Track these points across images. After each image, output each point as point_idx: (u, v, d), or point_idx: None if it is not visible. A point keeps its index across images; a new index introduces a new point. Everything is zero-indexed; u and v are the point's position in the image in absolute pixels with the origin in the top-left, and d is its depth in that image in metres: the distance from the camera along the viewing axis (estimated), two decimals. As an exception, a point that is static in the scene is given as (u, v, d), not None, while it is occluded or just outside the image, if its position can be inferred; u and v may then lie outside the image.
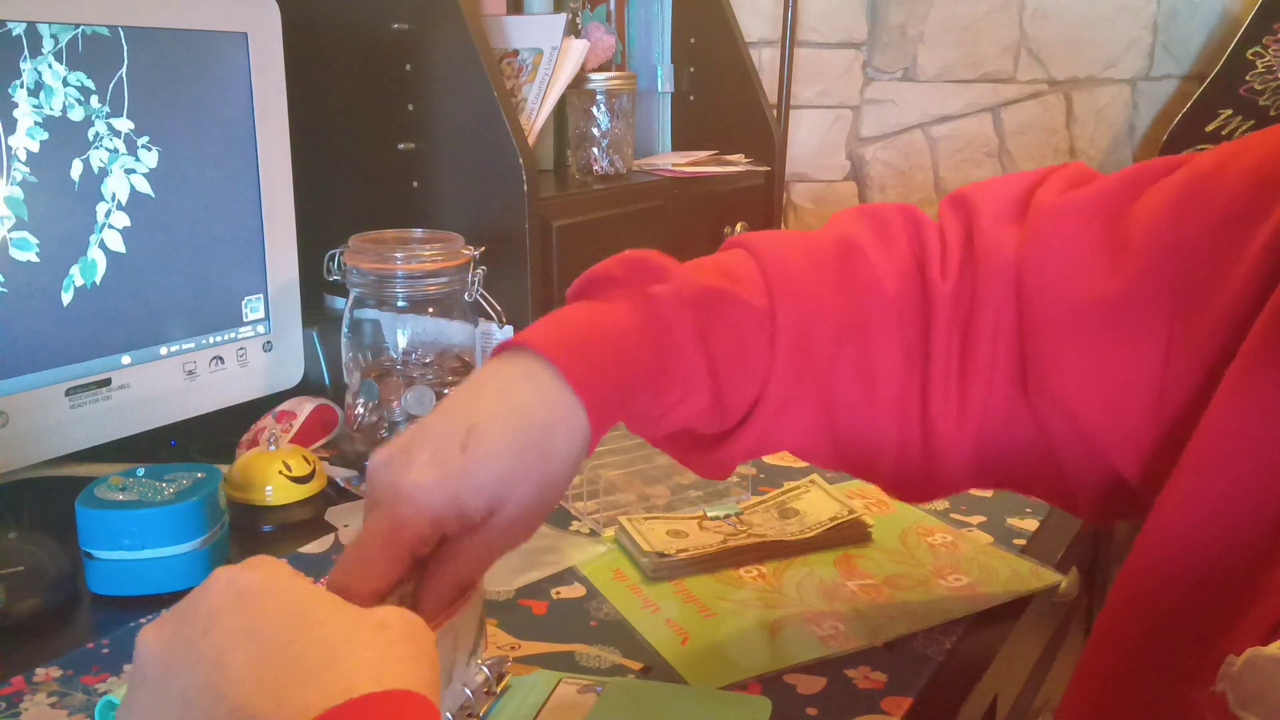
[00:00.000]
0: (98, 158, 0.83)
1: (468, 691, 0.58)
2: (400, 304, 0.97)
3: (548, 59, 1.17)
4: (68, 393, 0.84)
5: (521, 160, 1.02)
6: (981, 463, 0.61)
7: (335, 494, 0.92)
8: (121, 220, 0.86)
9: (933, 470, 0.62)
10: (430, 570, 0.49)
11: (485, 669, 0.60)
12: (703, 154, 1.41)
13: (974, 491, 0.91)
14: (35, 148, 0.79)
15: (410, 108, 1.09)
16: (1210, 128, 2.08)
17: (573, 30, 1.25)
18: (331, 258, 0.98)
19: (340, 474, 0.94)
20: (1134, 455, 0.55)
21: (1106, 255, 0.56)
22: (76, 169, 0.82)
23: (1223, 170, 0.53)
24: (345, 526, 0.85)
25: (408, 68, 1.09)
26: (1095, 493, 0.59)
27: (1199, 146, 2.09)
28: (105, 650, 0.67)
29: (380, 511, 0.48)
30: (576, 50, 1.17)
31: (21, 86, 0.78)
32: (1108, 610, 0.53)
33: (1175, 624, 0.48)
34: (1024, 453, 0.60)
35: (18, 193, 0.79)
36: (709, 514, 0.85)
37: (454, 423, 0.49)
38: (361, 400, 0.98)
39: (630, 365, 0.54)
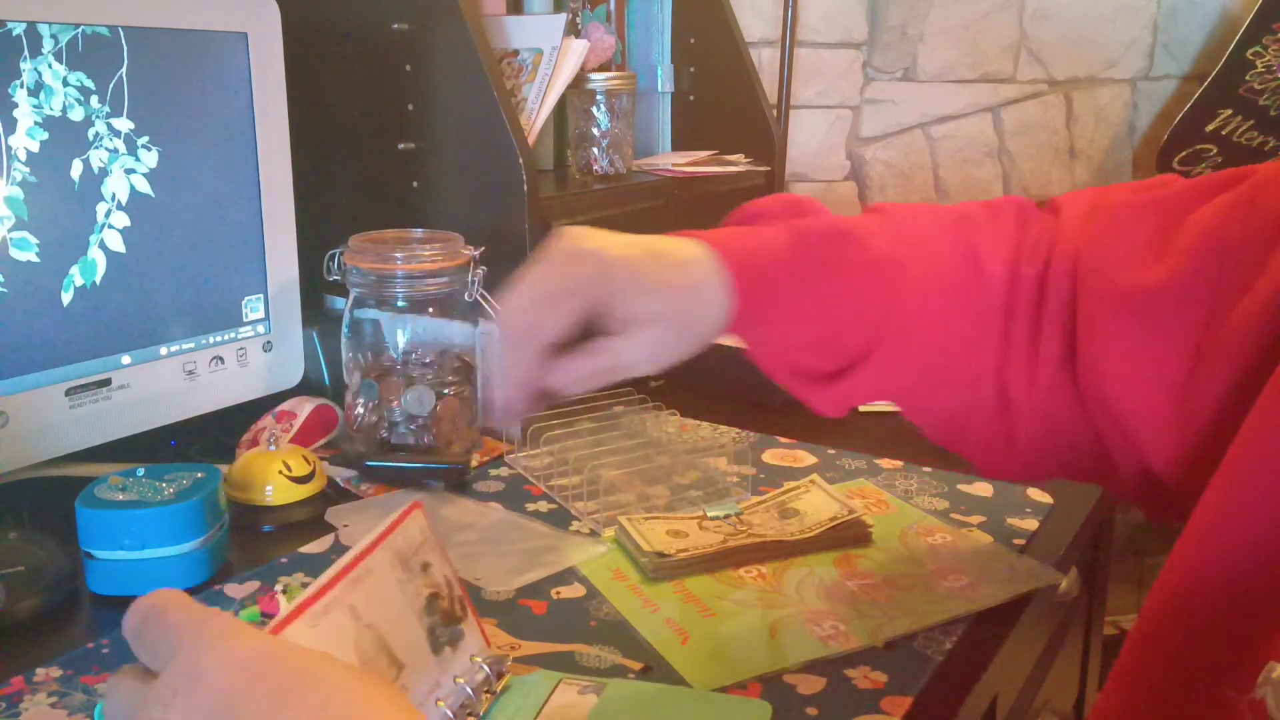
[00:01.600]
0: (98, 158, 0.83)
1: (468, 690, 0.58)
2: (400, 304, 0.97)
3: (548, 59, 1.17)
4: (68, 393, 0.84)
5: (521, 160, 1.02)
6: (1050, 438, 0.65)
7: (335, 494, 0.92)
8: (121, 220, 0.86)
9: (1011, 441, 0.66)
10: (589, 351, 0.59)
11: (485, 667, 0.60)
12: (703, 154, 1.40)
13: (974, 491, 0.91)
14: (35, 148, 0.79)
15: (410, 108, 1.09)
16: (1210, 128, 2.08)
17: (573, 30, 1.25)
18: (331, 258, 0.98)
19: (340, 474, 0.94)
20: (1162, 448, 0.58)
21: (1154, 247, 0.58)
22: (76, 169, 0.82)
23: (1275, 178, 0.55)
24: (345, 526, 0.85)
25: (408, 68, 1.08)
26: (1139, 486, 0.62)
27: (1199, 146, 2.09)
28: (105, 650, 0.67)
29: (558, 264, 0.58)
30: (576, 50, 1.17)
31: (21, 86, 0.78)
32: (1146, 613, 0.53)
33: (1215, 629, 0.48)
34: (1077, 434, 0.64)
35: (18, 193, 0.79)
36: (709, 514, 0.85)
37: (639, 241, 0.60)
38: (361, 400, 0.98)
39: (777, 282, 0.62)
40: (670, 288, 0.59)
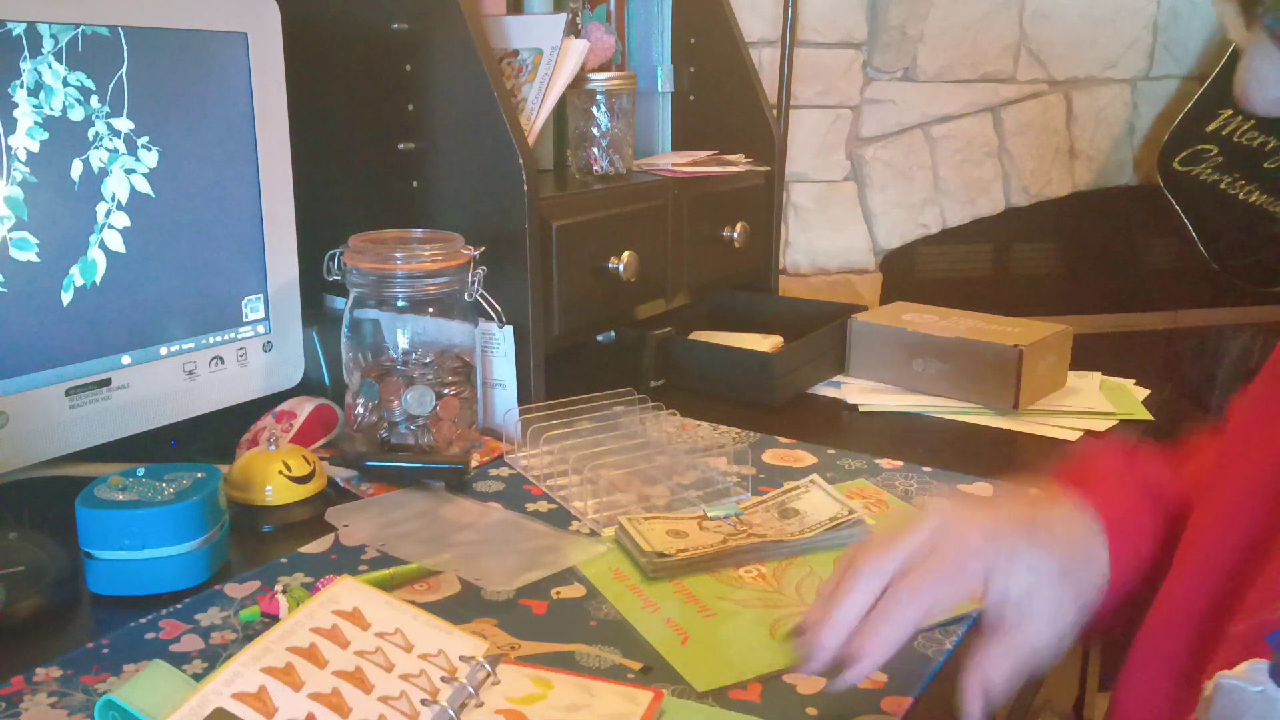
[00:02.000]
0: (98, 158, 0.83)
1: (470, 689, 0.58)
2: (400, 304, 0.97)
3: (548, 59, 1.17)
4: (68, 393, 0.84)
5: (521, 160, 1.02)
6: None
7: (335, 494, 0.92)
8: (121, 220, 0.86)
9: None
10: (1002, 640, 0.54)
11: (486, 665, 0.60)
12: (703, 154, 1.40)
13: (974, 492, 0.91)
14: (35, 148, 0.79)
15: (410, 108, 1.09)
16: (1210, 128, 2.08)
17: (573, 30, 1.25)
18: (331, 258, 0.98)
19: (340, 474, 0.94)
20: None
21: None
22: (76, 169, 0.82)
23: None
24: (345, 526, 0.85)
25: (408, 68, 1.08)
26: None
27: (1199, 147, 2.09)
28: (105, 650, 0.67)
29: (954, 551, 0.54)
30: (576, 50, 1.17)
31: (21, 86, 0.78)
32: (1135, 647, 0.57)
33: (1180, 649, 0.52)
34: None
35: (18, 193, 0.79)
36: (709, 514, 0.85)
37: (1021, 514, 0.57)
38: (361, 400, 0.98)
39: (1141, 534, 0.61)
40: (1056, 563, 0.56)
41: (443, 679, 0.58)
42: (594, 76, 1.23)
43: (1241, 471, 0.54)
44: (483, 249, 0.98)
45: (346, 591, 0.62)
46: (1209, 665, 0.47)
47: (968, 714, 0.53)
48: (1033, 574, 0.54)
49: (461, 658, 0.61)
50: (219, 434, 0.98)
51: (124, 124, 0.85)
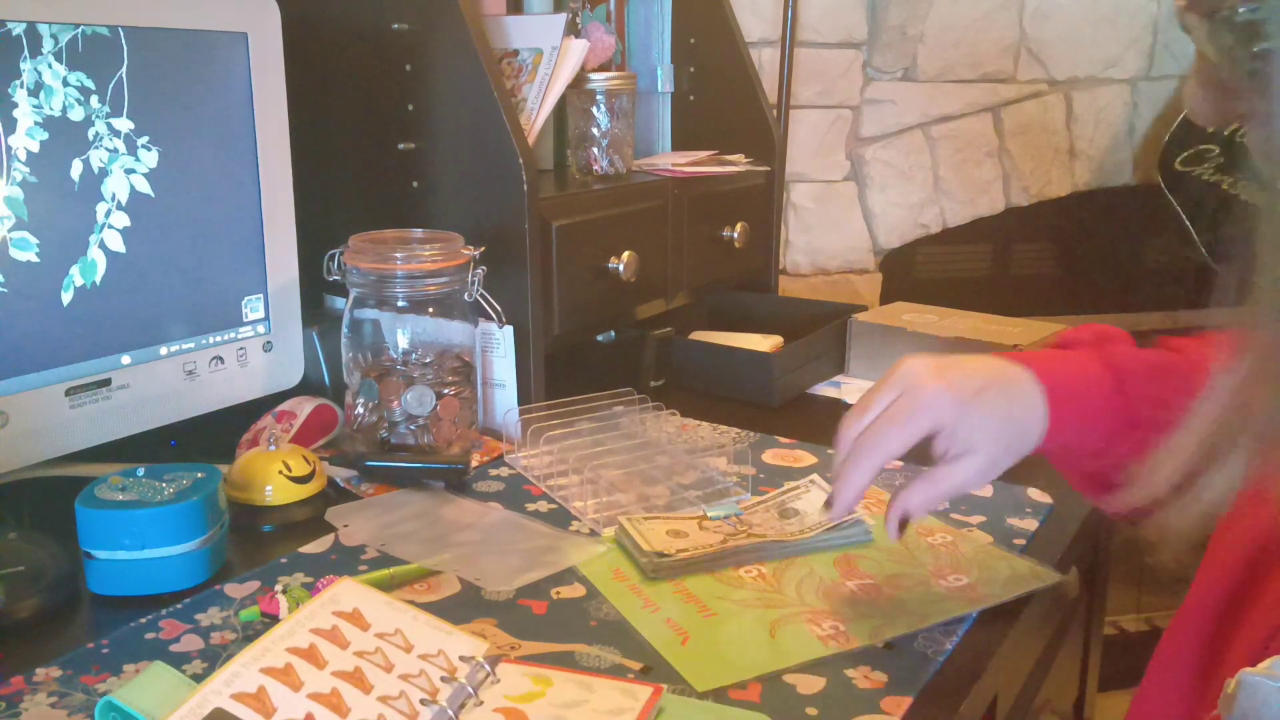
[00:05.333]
0: (98, 158, 0.83)
1: (469, 688, 0.58)
2: (400, 304, 0.97)
3: (548, 59, 1.17)
4: (68, 393, 0.84)
5: (521, 160, 1.02)
6: None
7: (335, 494, 0.92)
8: (121, 220, 0.86)
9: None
10: (929, 477, 0.66)
11: (486, 665, 0.60)
12: (703, 154, 1.40)
13: (974, 492, 0.91)
14: (35, 148, 0.79)
15: (410, 108, 1.09)
16: (1210, 128, 2.08)
17: (573, 30, 1.25)
18: (331, 258, 0.98)
19: (340, 474, 0.94)
20: None
21: None
22: (76, 169, 0.82)
23: None
24: (345, 526, 0.85)
25: (408, 68, 1.08)
26: None
27: (1199, 147, 2.08)
28: (105, 650, 0.67)
29: (905, 397, 0.65)
30: (576, 50, 1.17)
31: (21, 86, 0.78)
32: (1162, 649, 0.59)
33: (1196, 649, 0.53)
34: None
35: (18, 193, 0.79)
36: (709, 514, 0.85)
37: (976, 372, 0.66)
38: (361, 400, 0.98)
39: (1091, 400, 0.67)
40: (1010, 419, 0.65)
41: (442, 679, 0.58)
42: (594, 76, 1.23)
43: None
44: (483, 249, 0.98)
45: (346, 592, 0.62)
46: (1229, 661, 0.47)
47: (887, 526, 0.67)
48: (975, 430, 0.64)
49: (461, 658, 0.61)
50: (219, 434, 0.98)
51: (124, 124, 0.84)
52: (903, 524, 0.67)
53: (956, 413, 0.64)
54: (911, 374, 0.66)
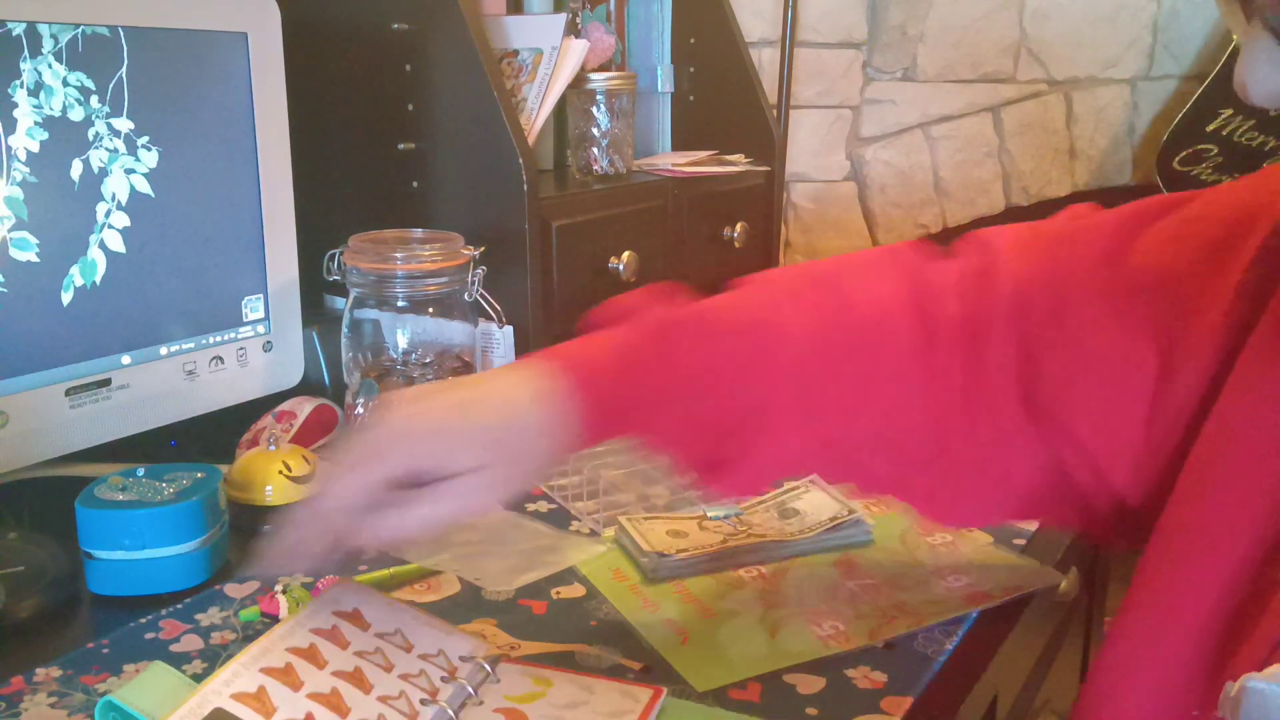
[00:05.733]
0: (98, 158, 0.83)
1: (469, 688, 0.58)
2: (400, 304, 0.97)
3: (548, 59, 1.17)
4: (68, 393, 0.84)
5: (521, 160, 1.02)
6: (1005, 485, 0.63)
7: (335, 494, 0.92)
8: (121, 220, 0.86)
9: (958, 489, 0.64)
10: (416, 502, 0.55)
11: (486, 665, 0.60)
12: (703, 154, 1.41)
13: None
14: (35, 148, 0.79)
15: (410, 108, 1.09)
16: (1210, 127, 2.08)
17: (573, 30, 1.25)
18: (331, 258, 0.98)
19: (340, 474, 0.94)
20: (1134, 480, 0.58)
21: (1102, 285, 0.59)
22: (76, 169, 0.82)
23: (1207, 213, 0.57)
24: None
25: (408, 68, 1.08)
26: (1113, 520, 0.61)
27: (1199, 146, 2.09)
28: (105, 650, 0.67)
29: (370, 436, 0.56)
30: (576, 50, 1.17)
31: (21, 86, 0.78)
32: (1116, 640, 0.55)
33: (1183, 652, 0.50)
34: (1042, 475, 0.62)
35: (18, 193, 0.79)
36: (709, 514, 0.85)
37: (460, 390, 0.58)
38: (361, 400, 0.98)
39: (628, 373, 0.60)
40: (485, 437, 0.56)
41: (442, 679, 0.58)
42: (594, 76, 1.23)
43: (1243, 462, 0.51)
44: (483, 249, 0.98)
45: (346, 592, 0.62)
46: (1230, 663, 0.46)
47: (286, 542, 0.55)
48: (457, 448, 0.56)
49: (461, 658, 0.61)
50: (219, 434, 0.98)
51: (124, 124, 0.84)
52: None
53: (431, 438, 0.56)
54: (385, 410, 0.58)
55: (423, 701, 0.56)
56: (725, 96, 1.50)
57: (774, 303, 0.64)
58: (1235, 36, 0.39)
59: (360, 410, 0.98)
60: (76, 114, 0.81)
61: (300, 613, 0.59)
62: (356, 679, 0.56)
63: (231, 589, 0.75)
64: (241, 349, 0.97)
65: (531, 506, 0.89)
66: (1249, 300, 0.52)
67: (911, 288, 0.64)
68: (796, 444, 0.62)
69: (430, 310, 0.98)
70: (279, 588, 0.73)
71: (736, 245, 1.36)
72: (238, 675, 0.53)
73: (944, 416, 0.62)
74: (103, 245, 0.85)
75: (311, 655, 0.56)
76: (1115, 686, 0.53)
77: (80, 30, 0.81)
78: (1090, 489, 0.60)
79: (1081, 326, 0.58)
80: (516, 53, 1.20)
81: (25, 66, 0.78)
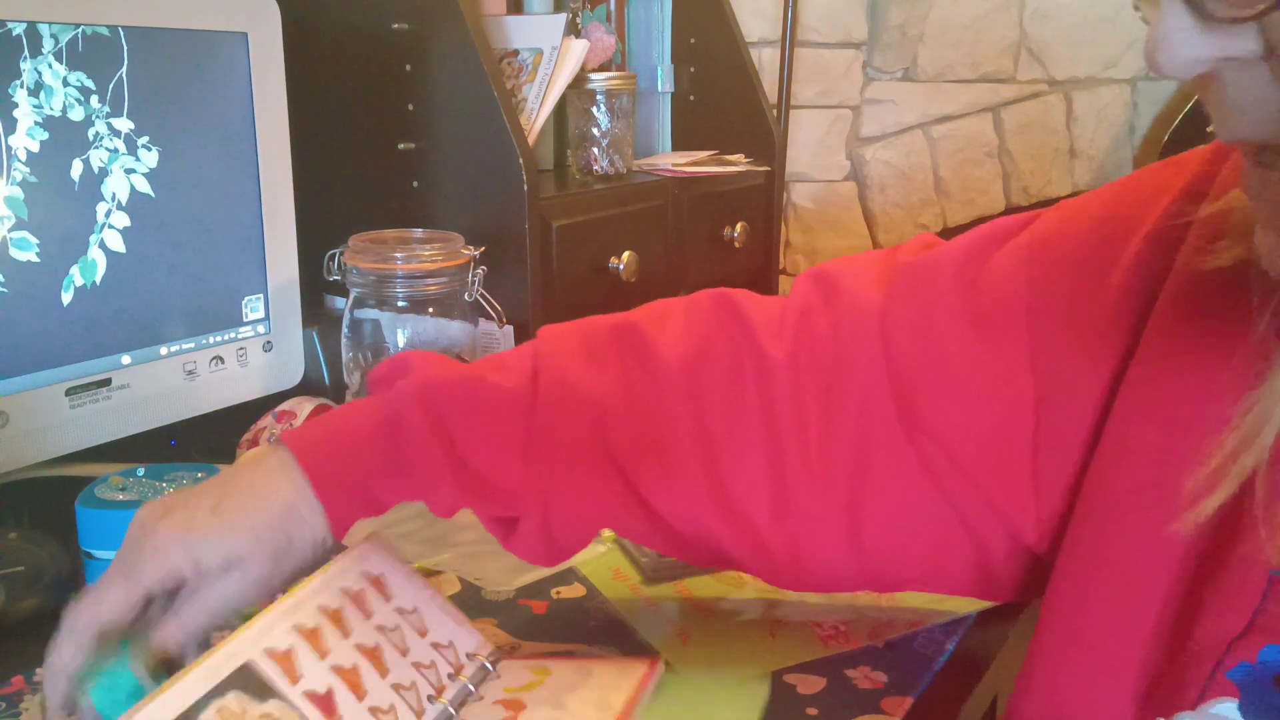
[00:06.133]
0: (98, 158, 0.83)
1: (470, 687, 0.58)
2: (400, 304, 0.97)
3: (548, 59, 1.17)
4: (68, 393, 0.84)
5: (521, 160, 1.02)
6: (855, 547, 0.58)
7: (335, 494, 0.92)
8: (121, 220, 0.86)
9: (799, 555, 0.59)
10: (176, 610, 0.54)
11: (489, 665, 0.61)
12: (703, 154, 1.41)
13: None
14: (35, 148, 0.79)
15: (410, 108, 1.09)
16: (1210, 128, 2.08)
17: (573, 30, 1.25)
18: (331, 258, 0.98)
19: (340, 474, 0.94)
20: (1026, 512, 0.54)
21: (966, 315, 0.56)
22: (76, 169, 0.82)
23: (1065, 230, 0.55)
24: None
25: (408, 68, 1.09)
26: (1016, 571, 0.57)
27: (1199, 146, 2.09)
28: (105, 650, 0.67)
29: (126, 550, 0.54)
30: (576, 50, 1.17)
31: (21, 86, 0.78)
32: (1022, 689, 0.52)
33: (1100, 692, 0.47)
34: (923, 524, 0.57)
35: (18, 193, 0.79)
36: (709, 514, 0.84)
37: (210, 492, 0.56)
38: (361, 400, 0.98)
39: (367, 458, 0.57)
40: (265, 517, 0.55)
41: (449, 676, 0.58)
42: (594, 76, 1.23)
43: (1139, 487, 0.48)
44: (483, 249, 0.99)
45: (375, 553, 0.61)
46: (1163, 695, 0.44)
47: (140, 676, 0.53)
48: (215, 554, 0.54)
49: (468, 655, 0.61)
50: (219, 434, 0.98)
51: (124, 124, 0.85)
52: (168, 666, 0.53)
53: (185, 548, 0.53)
54: (138, 523, 0.55)
55: (429, 698, 0.56)
56: (725, 96, 1.50)
57: (572, 362, 0.60)
58: (1140, 10, 0.38)
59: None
60: (76, 114, 0.81)
61: (332, 567, 0.58)
62: (375, 658, 0.55)
63: (231, 589, 0.75)
64: (241, 349, 0.97)
65: (531, 506, 0.89)
66: (1128, 319, 0.50)
67: (729, 330, 0.60)
68: (601, 506, 0.59)
69: (430, 310, 0.98)
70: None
71: (736, 245, 1.36)
72: (272, 627, 0.52)
73: (792, 456, 0.57)
74: (103, 245, 0.85)
75: (338, 619, 0.55)
76: None
77: (80, 30, 0.81)
78: (982, 528, 0.56)
79: (954, 354, 0.55)
80: (516, 53, 1.20)
81: (25, 66, 0.78)
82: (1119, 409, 0.49)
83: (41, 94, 0.79)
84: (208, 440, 0.98)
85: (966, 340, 0.55)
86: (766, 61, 1.84)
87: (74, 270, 0.83)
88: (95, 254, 0.84)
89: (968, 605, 0.72)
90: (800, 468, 0.57)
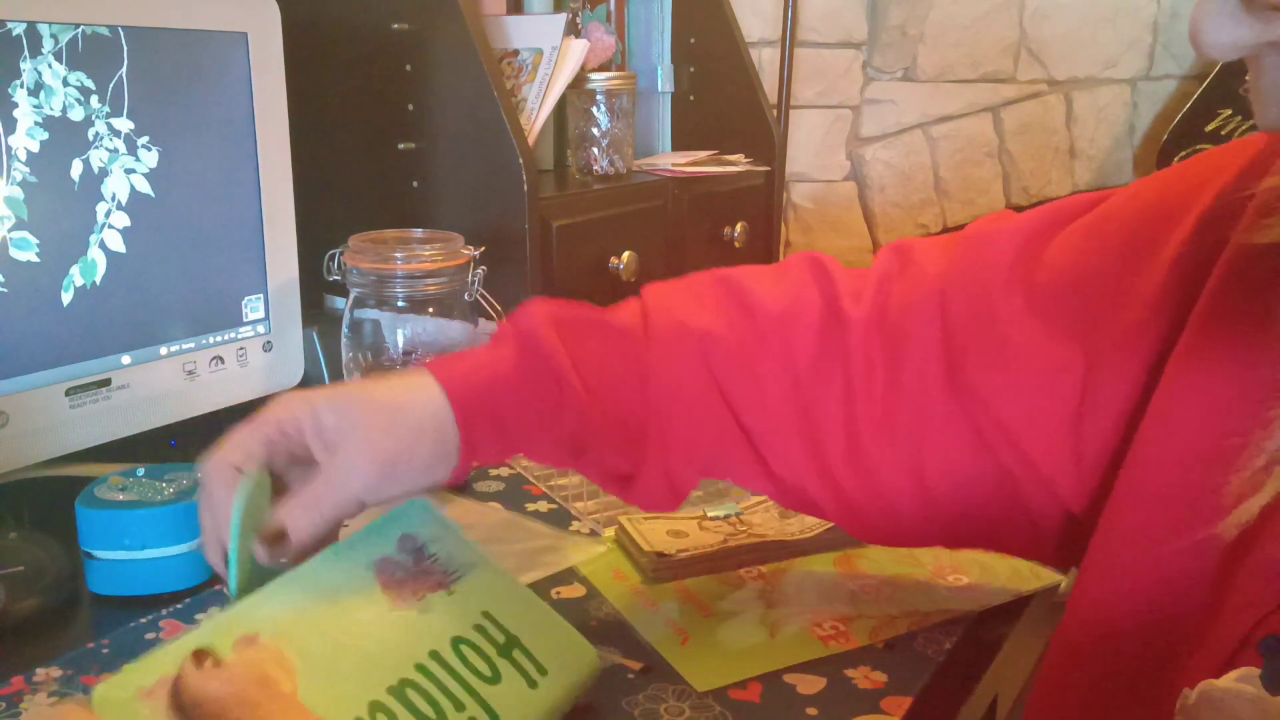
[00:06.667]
0: (98, 158, 0.83)
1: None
2: (400, 304, 0.97)
3: (548, 59, 1.17)
4: (68, 393, 0.84)
5: (521, 160, 1.03)
6: (928, 503, 0.61)
7: (335, 494, 0.92)
8: (121, 220, 0.86)
9: (879, 507, 0.62)
10: (287, 498, 0.55)
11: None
12: (703, 154, 1.41)
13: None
14: (35, 148, 0.79)
15: (410, 108, 1.09)
16: (1210, 127, 2.08)
17: (573, 30, 1.25)
18: (331, 258, 0.98)
19: (340, 474, 0.94)
20: (1069, 481, 0.56)
21: (1021, 284, 0.58)
22: (76, 169, 0.82)
23: (1126, 207, 0.56)
24: (345, 526, 0.84)
25: (408, 68, 1.09)
26: (1063, 537, 0.59)
27: (1199, 146, 2.09)
28: (105, 650, 0.67)
29: (260, 413, 0.57)
30: (576, 50, 1.18)
31: (21, 86, 0.78)
32: (1059, 645, 0.54)
33: (1129, 659, 0.48)
34: (976, 483, 0.59)
35: (18, 193, 0.79)
36: (709, 514, 0.85)
37: (349, 383, 0.58)
38: (361, 400, 0.98)
39: (501, 377, 0.58)
40: (389, 417, 0.55)
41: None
42: (594, 76, 1.23)
43: (1177, 465, 0.48)
44: (483, 249, 0.99)
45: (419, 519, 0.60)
46: (1184, 669, 0.45)
47: (255, 551, 0.54)
48: (340, 425, 0.55)
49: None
50: (219, 434, 0.97)
51: (124, 124, 0.85)
52: (279, 538, 0.54)
53: (309, 408, 0.55)
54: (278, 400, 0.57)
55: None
56: (725, 96, 1.50)
57: (679, 303, 0.64)
58: None
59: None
60: (76, 114, 0.81)
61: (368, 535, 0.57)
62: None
63: (231, 589, 0.75)
64: (241, 349, 0.97)
65: (531, 506, 0.89)
66: (1176, 294, 0.50)
67: (820, 288, 0.64)
68: (690, 455, 0.62)
69: (430, 310, 0.98)
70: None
71: (736, 245, 1.36)
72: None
73: (861, 410, 0.61)
74: (103, 245, 0.85)
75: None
76: (1058, 693, 0.52)
77: (80, 30, 0.81)
78: (1028, 491, 0.58)
79: (1005, 323, 0.57)
80: (516, 53, 1.20)
81: (25, 66, 0.78)
82: (1164, 383, 0.50)
83: (41, 94, 0.79)
84: (208, 440, 0.98)
85: (1018, 311, 0.57)
86: (766, 61, 1.84)
87: (74, 270, 0.83)
88: (95, 254, 0.84)
89: (967, 605, 0.72)
90: (867, 421, 0.61)
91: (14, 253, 0.79)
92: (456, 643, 0.55)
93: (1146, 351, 0.51)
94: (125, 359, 0.88)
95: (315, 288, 1.06)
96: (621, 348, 0.61)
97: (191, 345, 0.93)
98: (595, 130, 1.24)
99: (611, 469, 0.62)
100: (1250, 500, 0.42)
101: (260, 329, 0.98)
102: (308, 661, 0.50)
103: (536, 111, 1.16)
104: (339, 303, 1.11)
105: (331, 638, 0.52)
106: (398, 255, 0.95)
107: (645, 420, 0.61)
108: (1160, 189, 0.55)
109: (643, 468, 0.62)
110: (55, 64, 0.79)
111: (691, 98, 1.51)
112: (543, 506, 0.89)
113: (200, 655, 0.47)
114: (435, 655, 0.54)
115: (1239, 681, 0.40)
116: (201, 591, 0.75)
